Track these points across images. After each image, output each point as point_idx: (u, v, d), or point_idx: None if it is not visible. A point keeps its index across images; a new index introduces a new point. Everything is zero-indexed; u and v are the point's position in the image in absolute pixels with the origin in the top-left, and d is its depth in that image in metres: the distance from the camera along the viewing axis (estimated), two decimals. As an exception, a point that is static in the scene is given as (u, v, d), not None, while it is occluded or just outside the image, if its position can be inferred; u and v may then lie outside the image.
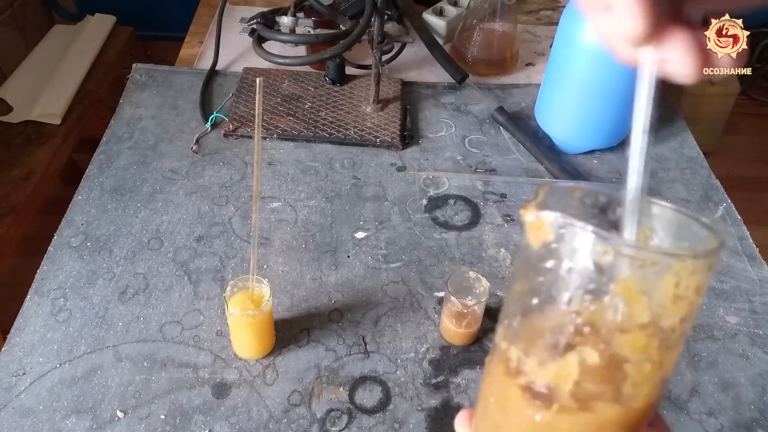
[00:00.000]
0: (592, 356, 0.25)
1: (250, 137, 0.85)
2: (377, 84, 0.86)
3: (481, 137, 0.88)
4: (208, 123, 0.86)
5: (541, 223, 0.25)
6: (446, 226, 0.75)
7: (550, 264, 0.26)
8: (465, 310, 0.59)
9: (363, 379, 0.60)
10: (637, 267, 0.24)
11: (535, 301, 0.27)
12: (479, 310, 0.61)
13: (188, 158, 0.81)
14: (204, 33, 1.07)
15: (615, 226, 0.27)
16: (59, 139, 1.25)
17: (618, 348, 0.25)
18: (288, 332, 0.63)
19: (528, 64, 1.04)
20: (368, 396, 0.59)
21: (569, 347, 0.26)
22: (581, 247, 0.25)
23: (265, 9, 0.79)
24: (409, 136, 0.87)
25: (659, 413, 0.28)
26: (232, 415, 0.56)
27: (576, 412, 0.26)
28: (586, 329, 0.26)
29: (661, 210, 0.28)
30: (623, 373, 0.26)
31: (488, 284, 0.61)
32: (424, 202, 0.78)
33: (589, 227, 0.24)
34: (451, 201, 0.78)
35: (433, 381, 0.60)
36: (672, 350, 0.26)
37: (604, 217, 0.28)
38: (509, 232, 0.75)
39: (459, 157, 0.85)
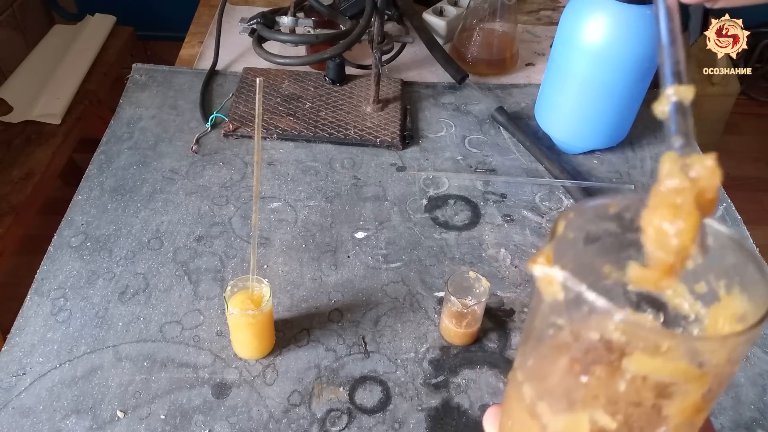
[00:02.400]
0: (604, 419, 0.23)
1: (250, 137, 0.85)
2: (377, 84, 0.86)
3: (481, 137, 0.88)
4: (208, 123, 0.86)
5: (550, 279, 0.22)
6: (446, 226, 0.75)
7: (560, 321, 0.23)
8: (465, 310, 0.59)
9: (363, 379, 0.60)
10: (654, 347, 0.21)
11: (545, 351, 0.25)
12: (479, 310, 0.61)
13: (188, 158, 0.81)
14: (204, 33, 1.07)
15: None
16: (59, 139, 1.25)
17: (634, 418, 0.23)
18: (288, 332, 0.63)
19: (528, 64, 1.04)
20: (368, 396, 0.59)
21: (581, 404, 0.24)
22: (592, 321, 0.22)
23: (265, 9, 0.79)
24: (409, 136, 0.87)
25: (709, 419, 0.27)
26: (232, 415, 0.56)
27: None
28: (597, 395, 0.23)
29: (719, 236, 0.24)
30: None
31: (488, 284, 0.61)
32: (424, 202, 0.78)
33: (602, 302, 0.21)
34: (451, 201, 0.78)
35: (433, 381, 0.60)
36: (699, 414, 0.24)
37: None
38: (509, 232, 0.75)
39: (459, 157, 0.85)
